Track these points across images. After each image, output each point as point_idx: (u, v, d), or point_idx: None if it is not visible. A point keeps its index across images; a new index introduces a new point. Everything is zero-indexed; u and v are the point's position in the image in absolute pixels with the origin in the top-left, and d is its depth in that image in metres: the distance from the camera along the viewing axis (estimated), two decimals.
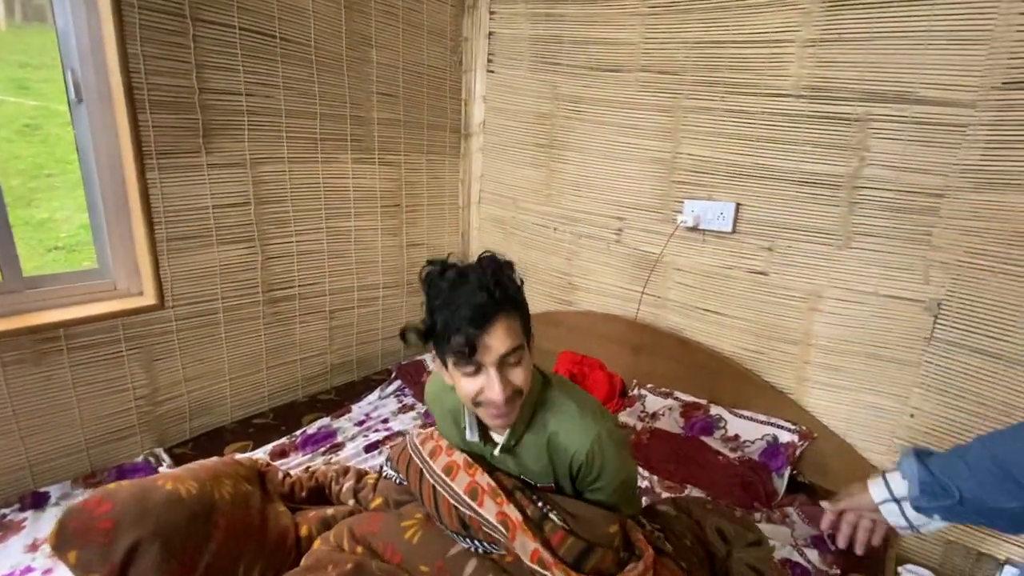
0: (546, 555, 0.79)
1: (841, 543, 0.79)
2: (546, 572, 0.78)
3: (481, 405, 0.85)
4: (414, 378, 2.02)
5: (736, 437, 1.64)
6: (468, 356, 0.80)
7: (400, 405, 1.92)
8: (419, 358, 2.11)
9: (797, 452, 1.55)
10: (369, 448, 1.63)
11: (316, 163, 1.77)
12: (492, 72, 2.20)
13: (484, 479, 0.89)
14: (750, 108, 1.59)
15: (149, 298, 1.49)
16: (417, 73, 2.03)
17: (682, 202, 1.75)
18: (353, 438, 1.69)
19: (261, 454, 1.52)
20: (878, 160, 1.41)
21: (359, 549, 0.99)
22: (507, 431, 0.90)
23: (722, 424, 1.68)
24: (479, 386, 0.82)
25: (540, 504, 0.86)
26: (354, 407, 1.87)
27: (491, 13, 2.15)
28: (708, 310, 1.78)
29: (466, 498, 0.87)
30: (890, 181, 1.40)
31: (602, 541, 0.80)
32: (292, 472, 1.31)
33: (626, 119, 1.85)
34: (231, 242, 1.61)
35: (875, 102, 1.39)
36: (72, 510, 0.85)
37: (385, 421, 1.81)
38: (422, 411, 1.88)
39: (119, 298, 1.48)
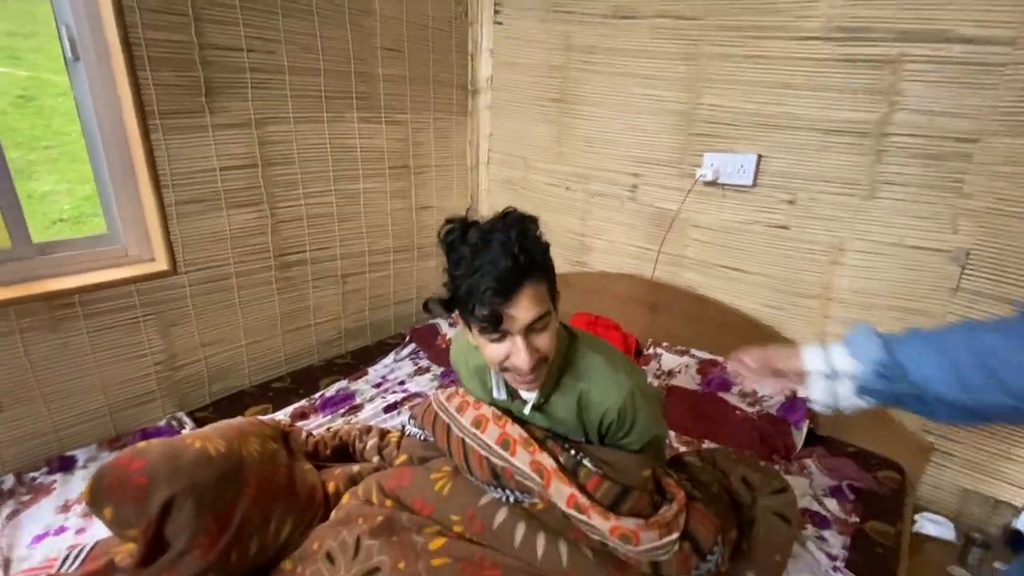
0: (583, 499, 0.79)
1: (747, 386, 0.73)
2: (582, 516, 0.79)
3: (507, 370, 0.83)
4: (428, 341, 2.02)
5: (754, 392, 1.64)
6: (494, 327, 0.77)
7: (416, 368, 1.92)
8: (432, 322, 2.10)
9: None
10: (388, 409, 1.65)
11: (322, 123, 1.72)
12: (499, 24, 2.10)
13: (515, 430, 0.88)
14: (774, 53, 1.51)
15: (162, 263, 1.47)
16: (422, 26, 1.95)
17: (701, 155, 1.70)
18: (371, 399, 1.70)
19: (282, 416, 1.53)
20: (910, 105, 1.35)
21: (388, 502, 1.00)
22: (536, 391, 0.89)
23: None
24: (505, 352, 0.80)
25: (572, 452, 0.86)
26: (370, 370, 1.87)
27: None
28: (726, 267, 1.75)
29: (498, 448, 0.87)
30: (921, 127, 1.34)
31: (636, 484, 0.81)
32: (315, 432, 1.33)
33: (643, 69, 1.77)
34: (240, 205, 1.58)
35: (909, 42, 1.31)
36: (106, 467, 0.85)
37: (402, 383, 1.82)
38: (438, 373, 1.89)
39: (131, 264, 1.46)
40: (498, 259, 0.74)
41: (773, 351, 0.74)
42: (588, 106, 1.93)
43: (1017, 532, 1.34)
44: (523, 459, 0.84)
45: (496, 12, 2.09)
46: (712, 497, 0.94)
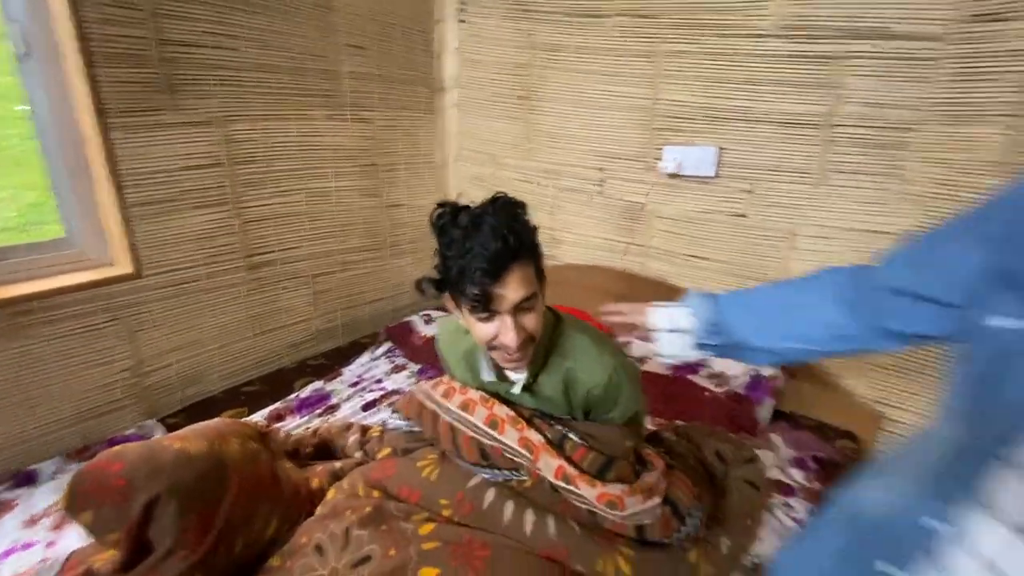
0: (570, 470, 0.83)
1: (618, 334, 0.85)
2: (570, 486, 0.82)
3: (496, 348, 0.86)
4: (404, 339, 2.02)
5: (721, 374, 1.72)
6: (484, 304, 0.80)
7: (392, 365, 1.92)
8: (407, 319, 2.10)
9: (779, 384, 1.64)
10: (366, 407, 1.64)
11: (288, 120, 1.70)
12: (464, 22, 2.12)
13: (502, 410, 0.91)
14: (729, 50, 1.59)
15: (124, 267, 1.42)
16: (387, 23, 1.95)
17: (662, 149, 1.77)
18: (348, 399, 1.69)
19: (258, 418, 1.51)
20: (854, 97, 1.45)
21: (375, 493, 1.01)
22: (524, 371, 0.92)
23: (707, 362, 1.76)
24: (494, 331, 0.83)
25: (559, 427, 0.89)
26: (345, 370, 1.86)
27: None
28: (691, 255, 1.83)
29: (486, 428, 0.90)
30: (865, 117, 1.45)
31: (620, 454, 0.85)
32: (293, 432, 1.32)
33: (605, 66, 1.83)
34: (206, 205, 1.54)
35: (851, 39, 1.41)
36: (82, 472, 0.83)
37: (379, 381, 1.81)
38: (415, 370, 1.89)
39: (90, 268, 1.41)
40: (488, 241, 0.78)
41: (633, 307, 0.86)
42: (553, 103, 1.97)
43: None
44: (512, 437, 0.87)
45: (461, 10, 2.11)
46: (688, 468, 1.00)
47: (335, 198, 1.90)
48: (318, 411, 1.61)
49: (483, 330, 0.84)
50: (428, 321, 2.10)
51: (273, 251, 1.75)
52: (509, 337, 0.81)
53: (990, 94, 1.28)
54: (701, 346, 0.78)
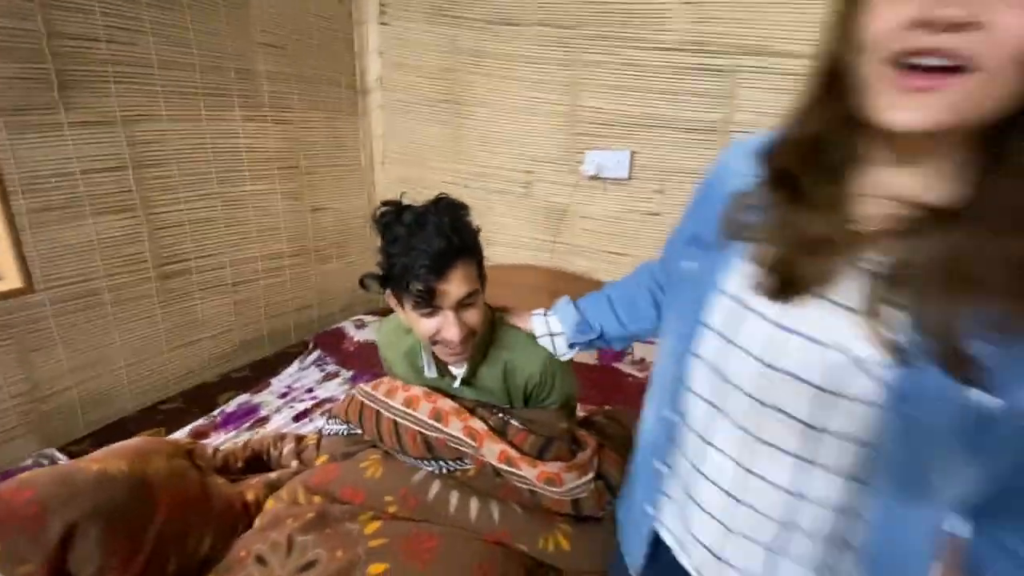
0: (512, 453, 0.88)
1: None
2: (512, 468, 0.87)
3: (438, 343, 0.89)
4: (335, 346, 1.98)
5: (643, 360, 1.85)
6: (427, 300, 0.83)
7: (323, 374, 1.87)
8: (338, 325, 2.05)
9: None
10: (298, 417, 1.59)
11: (200, 121, 1.61)
12: (386, 24, 2.12)
13: (446, 403, 0.94)
14: (641, 62, 1.73)
15: (12, 281, 1.29)
16: (305, 22, 1.90)
17: (583, 153, 1.88)
18: (279, 410, 1.63)
19: (179, 436, 1.42)
20: (745, 106, 1.63)
21: (316, 499, 1.00)
22: (465, 365, 0.96)
23: (630, 350, 1.89)
24: (436, 327, 0.86)
25: (500, 415, 0.94)
26: (273, 381, 1.79)
27: None
28: (612, 252, 1.95)
29: (431, 422, 0.92)
30: (756, 124, 1.63)
31: (557, 435, 0.91)
32: (221, 447, 1.26)
33: (528, 73, 1.91)
34: (109, 212, 1.43)
35: (742, 55, 1.59)
36: None
37: (310, 390, 1.76)
38: (347, 377, 1.86)
39: None
40: (432, 239, 0.80)
41: (519, 316, 1.01)
42: (480, 107, 2.03)
43: None
44: (456, 427, 0.90)
45: (382, 12, 2.11)
46: (618, 447, 1.08)
47: (254, 202, 1.83)
48: (246, 424, 1.54)
49: (426, 326, 0.86)
50: (360, 326, 2.07)
51: (188, 259, 1.65)
52: (452, 332, 0.84)
53: None
54: (572, 345, 0.94)
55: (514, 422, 0.93)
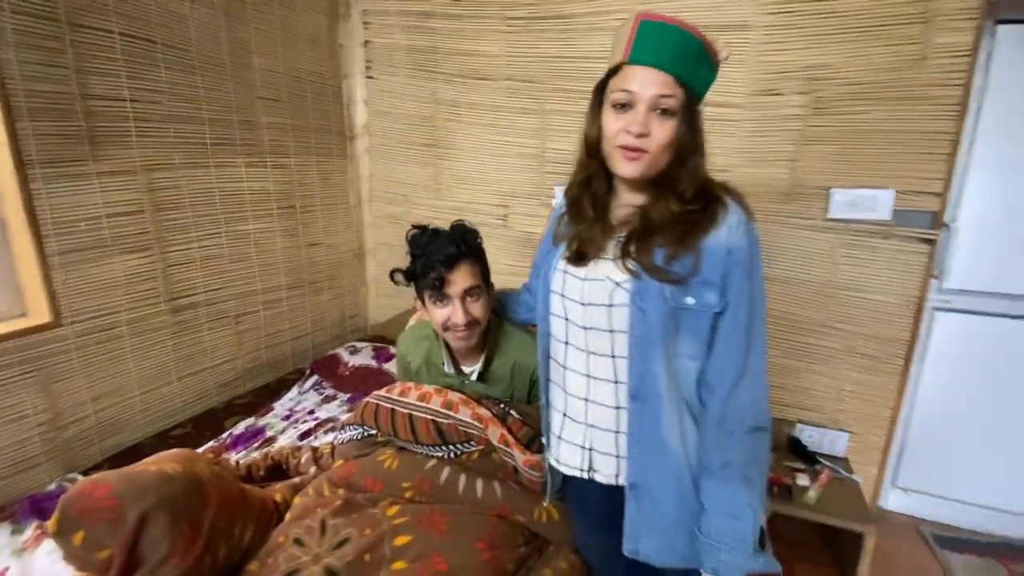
0: (510, 437, 1.07)
1: None
2: (509, 449, 1.06)
3: (449, 329, 1.13)
4: (331, 371, 2.11)
5: None
6: (439, 288, 1.09)
7: (322, 397, 2.00)
8: (332, 352, 2.19)
9: None
10: (303, 436, 1.72)
11: (209, 168, 1.78)
12: (371, 78, 2.35)
13: (456, 396, 1.13)
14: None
15: (41, 317, 1.40)
16: (299, 78, 2.11)
17: (554, 188, 2.13)
18: (284, 431, 1.76)
19: None
20: None
21: (340, 491, 1.15)
22: (480, 361, 1.19)
23: None
24: (448, 314, 1.11)
25: (502, 406, 1.13)
26: (276, 405, 1.91)
27: (365, 23, 2.30)
28: None
29: (443, 411, 1.11)
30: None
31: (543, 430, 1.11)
32: (241, 461, 1.39)
33: (500, 121, 2.16)
34: (129, 251, 1.57)
35: None
36: (70, 498, 0.89)
37: (311, 412, 1.89)
38: (344, 399, 1.99)
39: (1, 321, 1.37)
40: (445, 245, 1.10)
41: None
42: (458, 150, 2.26)
43: (795, 439, 1.91)
44: (465, 413, 1.09)
45: (368, 67, 2.34)
46: None
47: (255, 239, 1.99)
48: (255, 444, 1.66)
49: (439, 313, 1.13)
50: (353, 352, 2.21)
51: (197, 293, 1.78)
52: (459, 317, 1.10)
53: (775, 144, 1.80)
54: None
55: (513, 413, 1.12)
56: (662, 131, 0.78)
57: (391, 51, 2.29)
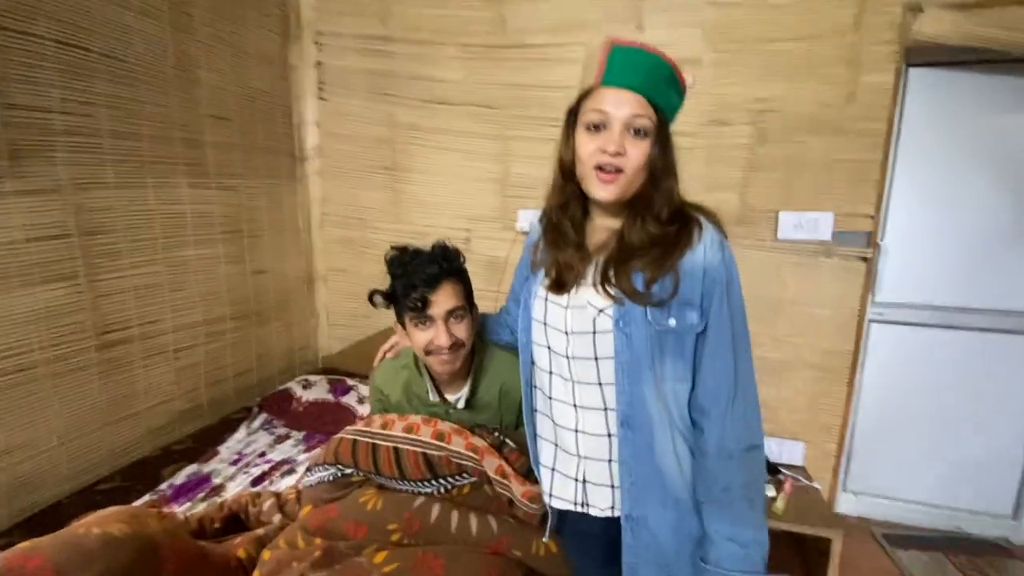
0: (508, 468, 1.01)
1: None
2: (506, 480, 1.00)
3: (431, 353, 1.06)
4: (282, 408, 1.95)
5: None
6: (421, 309, 1.03)
7: (274, 437, 1.84)
8: (283, 388, 2.03)
9: None
10: (256, 482, 1.56)
11: (147, 188, 1.62)
12: (324, 100, 2.28)
13: (446, 425, 1.06)
14: (558, 136, 2.04)
15: None
16: (249, 97, 2.00)
17: (517, 212, 2.13)
18: (232, 477, 1.58)
19: None
20: None
21: (317, 541, 1.04)
22: (465, 387, 1.12)
23: None
24: (430, 336, 1.05)
25: (496, 435, 1.07)
26: (221, 448, 1.73)
27: (317, 44, 2.24)
28: None
29: (434, 441, 1.03)
30: None
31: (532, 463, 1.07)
32: (190, 514, 1.22)
33: (462, 145, 2.15)
34: (52, 280, 1.38)
35: None
36: None
37: (263, 454, 1.72)
38: (300, 438, 1.84)
39: None
40: (426, 264, 1.04)
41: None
42: (418, 174, 2.22)
43: None
44: (459, 444, 1.02)
45: (320, 89, 2.27)
46: None
47: (198, 266, 1.82)
48: (200, 495, 1.48)
49: (422, 337, 1.06)
50: (307, 386, 2.06)
51: (130, 326, 1.59)
52: (442, 339, 1.04)
53: (726, 171, 1.91)
54: None
55: (509, 442, 1.07)
56: (637, 151, 0.78)
57: (346, 73, 2.23)
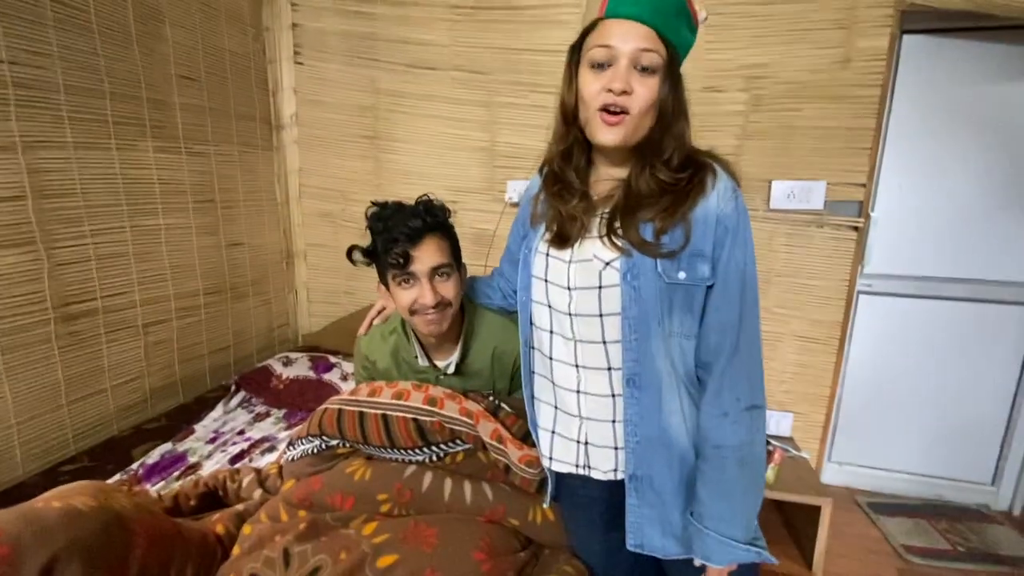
0: (504, 432, 0.96)
1: None
2: (502, 446, 0.95)
3: (416, 313, 1.01)
4: (261, 385, 1.87)
5: None
6: (403, 266, 0.96)
7: (252, 415, 1.76)
8: (262, 364, 1.94)
9: None
10: (234, 460, 1.49)
11: (110, 150, 1.51)
12: (301, 64, 2.16)
13: (438, 390, 1.00)
14: (547, 104, 1.98)
15: None
16: (219, 59, 1.88)
17: (505, 183, 2.06)
18: (210, 456, 1.51)
19: None
20: None
21: (302, 514, 0.98)
22: (456, 352, 1.06)
23: None
24: (414, 295, 0.99)
25: (491, 399, 1.02)
26: (197, 427, 1.64)
27: (293, 5, 2.12)
28: None
29: (426, 407, 0.97)
30: None
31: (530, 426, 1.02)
32: (163, 491, 1.15)
33: (448, 112, 2.07)
34: (3, 246, 1.27)
35: None
36: None
37: (241, 432, 1.65)
38: (280, 415, 1.77)
39: None
40: (408, 218, 0.98)
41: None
42: (402, 143, 2.13)
43: None
44: (452, 408, 0.97)
45: (296, 53, 2.15)
46: None
47: (167, 236, 1.71)
48: (175, 474, 1.40)
49: (405, 296, 1.00)
50: (287, 363, 1.98)
51: (94, 298, 1.49)
52: (427, 298, 0.98)
53: (720, 139, 1.87)
54: None
55: (504, 406, 1.02)
56: (645, 89, 0.72)
57: (323, 35, 2.12)
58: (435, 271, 1.00)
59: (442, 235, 1.02)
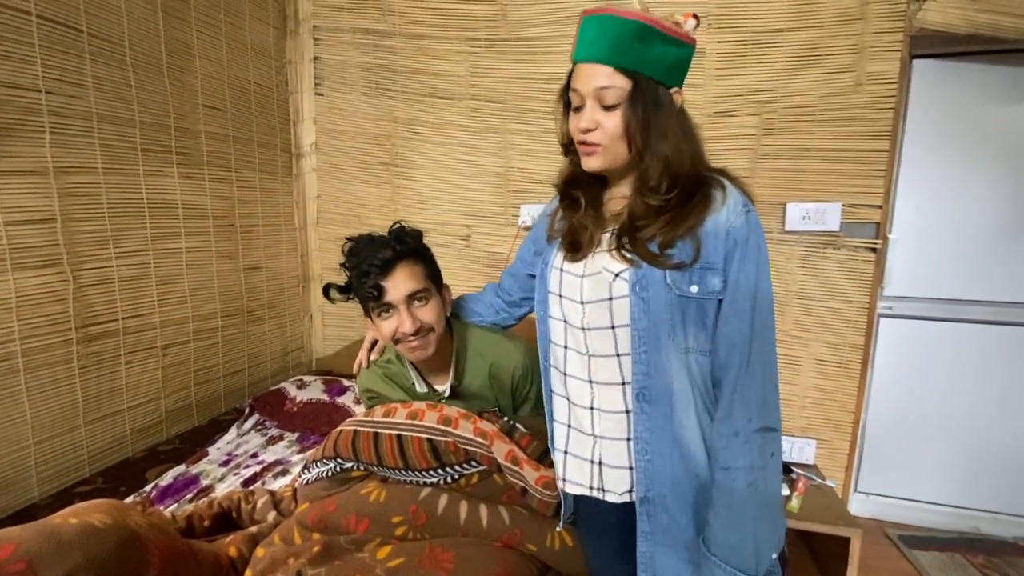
0: (519, 453, 0.94)
1: None
2: (517, 468, 0.94)
3: (400, 342, 1.01)
4: (275, 408, 1.86)
5: None
6: (378, 297, 0.97)
7: (266, 438, 1.75)
8: (276, 388, 1.94)
9: None
10: (247, 483, 1.47)
11: (137, 176, 1.56)
12: (321, 95, 2.24)
13: (452, 410, 0.99)
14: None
15: None
16: (244, 89, 1.96)
17: (519, 207, 2.09)
18: (223, 479, 1.49)
19: None
20: None
21: (316, 536, 0.96)
22: (449, 378, 1.06)
23: None
24: (394, 325, 1.00)
25: (506, 419, 1.01)
26: (211, 450, 1.64)
27: (315, 39, 2.20)
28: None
29: (440, 427, 0.96)
30: None
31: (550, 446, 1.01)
32: (178, 512, 1.14)
33: (463, 140, 2.12)
34: (31, 267, 1.30)
35: None
36: None
37: (255, 455, 1.64)
38: (293, 439, 1.75)
39: None
40: (378, 249, 0.99)
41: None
42: (418, 169, 2.18)
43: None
44: (466, 428, 0.95)
45: (317, 84, 2.23)
46: None
47: (188, 259, 1.75)
48: (188, 496, 1.39)
49: (387, 326, 1.01)
50: (301, 386, 1.98)
51: (115, 319, 1.52)
52: (406, 325, 0.98)
53: (733, 162, 1.89)
54: None
55: (519, 426, 1.00)
56: (609, 122, 0.77)
57: (343, 68, 2.19)
58: (411, 297, 1.00)
59: (415, 260, 1.02)
